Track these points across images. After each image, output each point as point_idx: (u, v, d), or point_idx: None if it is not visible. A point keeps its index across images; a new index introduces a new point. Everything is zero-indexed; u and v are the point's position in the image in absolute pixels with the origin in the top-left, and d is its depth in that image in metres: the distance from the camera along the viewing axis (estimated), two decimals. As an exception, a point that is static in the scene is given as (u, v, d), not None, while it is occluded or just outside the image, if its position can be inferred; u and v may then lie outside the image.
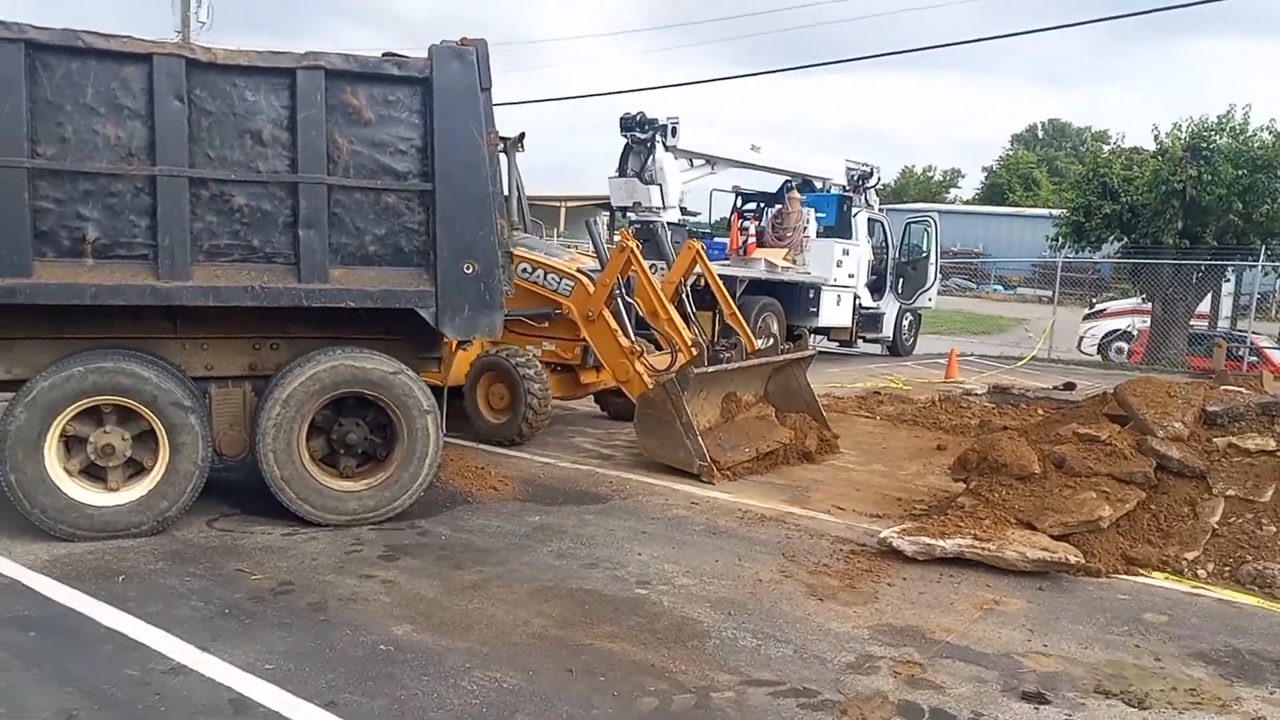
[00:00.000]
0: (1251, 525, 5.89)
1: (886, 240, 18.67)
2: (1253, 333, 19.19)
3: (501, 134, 9.21)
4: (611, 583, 5.28)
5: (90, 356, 5.61)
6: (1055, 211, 24.18)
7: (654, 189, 14.64)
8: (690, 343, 8.44)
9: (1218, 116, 18.40)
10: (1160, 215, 18.33)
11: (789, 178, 17.52)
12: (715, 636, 4.60)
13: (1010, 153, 64.14)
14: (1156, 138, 19.13)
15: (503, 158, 9.32)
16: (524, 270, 8.82)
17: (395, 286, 6.06)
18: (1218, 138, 18.13)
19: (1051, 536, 5.82)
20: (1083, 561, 5.65)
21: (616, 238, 9.34)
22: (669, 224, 14.63)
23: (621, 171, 15.03)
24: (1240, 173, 17.47)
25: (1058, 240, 20.69)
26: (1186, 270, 18.73)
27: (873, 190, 19.08)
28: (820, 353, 14.92)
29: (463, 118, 6.09)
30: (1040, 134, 67.88)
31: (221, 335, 6.09)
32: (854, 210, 17.46)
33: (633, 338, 8.44)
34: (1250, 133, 18.08)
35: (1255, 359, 17.50)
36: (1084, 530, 5.89)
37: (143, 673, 3.98)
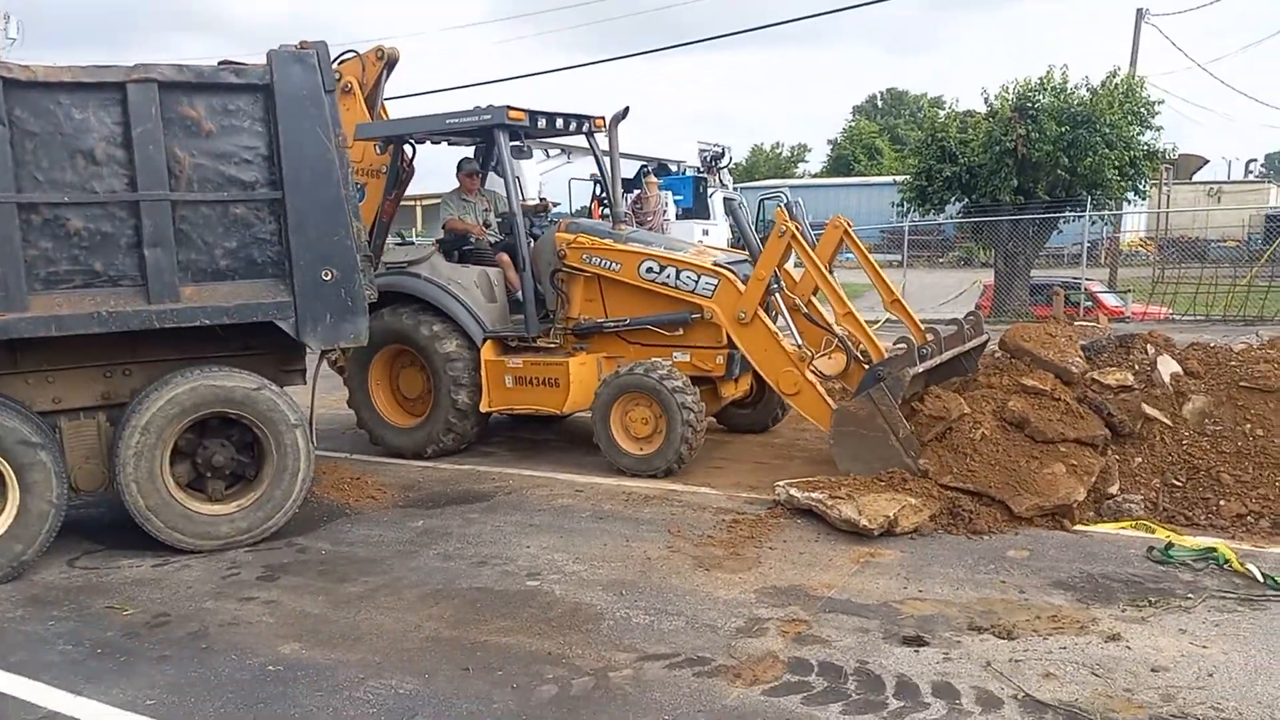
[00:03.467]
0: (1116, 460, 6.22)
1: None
2: (1085, 279, 20.47)
3: (597, 115, 8.53)
4: (502, 578, 5.29)
5: (-78, 400, 5.27)
6: (899, 178, 25.17)
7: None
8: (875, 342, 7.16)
9: (1039, 78, 19.48)
10: (996, 174, 19.29)
11: (645, 163, 17.71)
12: (609, 618, 4.67)
13: (852, 124, 66.29)
14: (986, 100, 20.10)
15: (602, 139, 8.62)
16: (648, 270, 7.62)
17: (251, 300, 5.90)
18: (1041, 97, 19.18)
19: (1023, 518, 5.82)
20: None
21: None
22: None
23: (476, 166, 14.88)
24: (1063, 129, 18.55)
25: (903, 205, 21.55)
26: (1024, 225, 19.81)
27: (726, 170, 19.48)
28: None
29: (308, 122, 5.96)
30: (879, 103, 70.36)
31: (69, 365, 5.79)
32: (709, 190, 17.79)
33: (799, 340, 7.30)
34: (1069, 90, 19.20)
35: (1090, 304, 18.67)
36: (1059, 513, 5.83)
37: (14, 726, 3.80)
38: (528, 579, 5.26)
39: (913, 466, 6.21)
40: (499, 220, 8.70)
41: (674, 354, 7.66)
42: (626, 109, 8.14)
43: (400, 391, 8.50)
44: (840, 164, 60.65)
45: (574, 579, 5.23)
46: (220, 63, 6.41)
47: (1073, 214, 20.08)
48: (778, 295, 7.28)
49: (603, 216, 16.23)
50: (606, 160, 8.67)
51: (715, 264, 7.56)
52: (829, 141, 67.41)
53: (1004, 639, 4.32)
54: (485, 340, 7.95)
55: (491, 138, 8.29)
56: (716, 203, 17.85)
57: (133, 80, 5.51)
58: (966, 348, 7.35)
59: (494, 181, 9.35)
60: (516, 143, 8.07)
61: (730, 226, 18.92)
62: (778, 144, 68.01)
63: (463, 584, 5.21)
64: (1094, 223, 21.19)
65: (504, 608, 4.85)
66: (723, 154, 19.22)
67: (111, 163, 5.53)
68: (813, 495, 6.06)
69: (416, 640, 4.49)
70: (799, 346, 7.11)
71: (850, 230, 8.01)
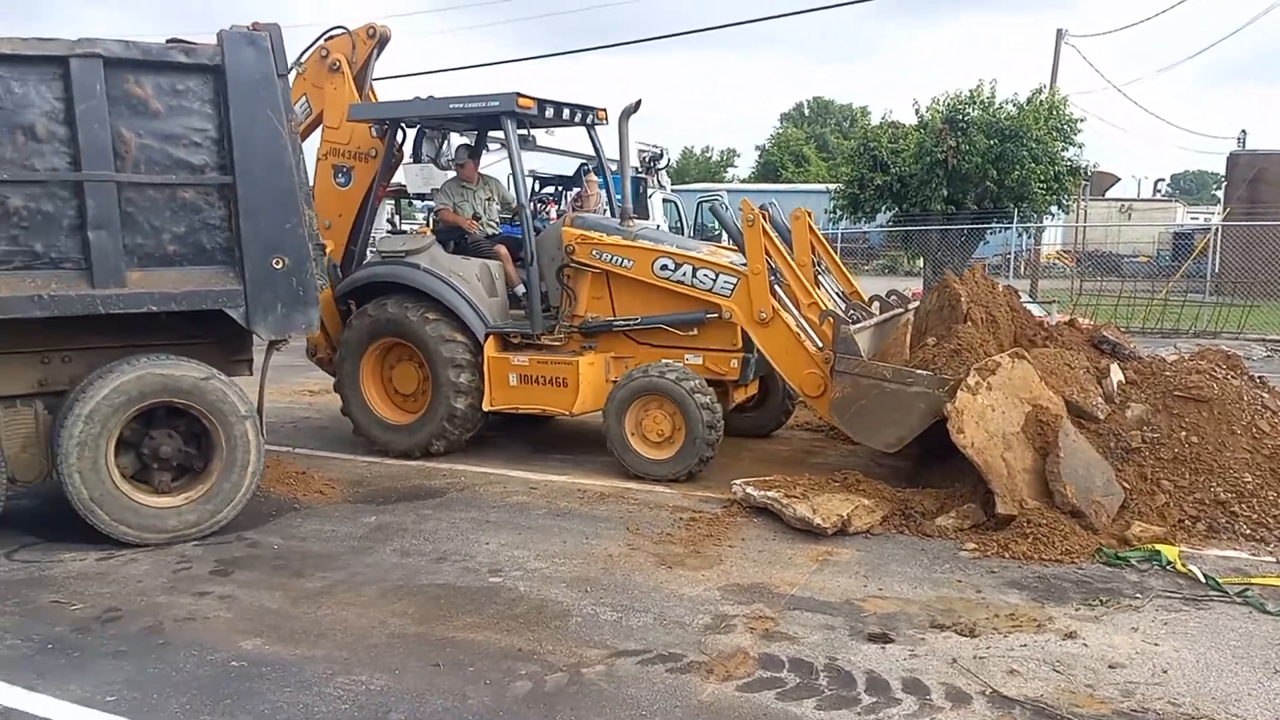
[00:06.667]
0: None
1: (681, 219, 19.18)
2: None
3: (599, 107, 8.44)
4: (463, 574, 5.21)
5: None
6: (831, 186, 25.58)
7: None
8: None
9: (969, 91, 19.99)
10: (926, 184, 19.76)
11: (585, 161, 17.63)
12: (576, 615, 4.65)
13: (780, 131, 67.06)
14: (917, 112, 20.57)
15: (603, 131, 8.45)
16: (663, 267, 7.36)
17: (200, 287, 5.73)
18: (971, 111, 19.70)
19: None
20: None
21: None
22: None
23: (416, 158, 14.65)
24: (992, 142, 19.08)
25: (835, 213, 21.90)
26: (952, 234, 20.32)
27: (664, 171, 19.51)
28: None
29: (260, 106, 5.82)
30: (806, 111, 71.32)
31: (4, 350, 5.53)
32: (649, 191, 17.80)
33: (818, 341, 6.86)
34: (998, 105, 19.76)
35: (1014, 313, 19.19)
36: None
37: (-39, 726, 3.61)
38: (490, 575, 5.19)
39: (931, 378, 6.07)
40: (502, 210, 8.53)
41: (686, 356, 7.41)
42: (639, 101, 7.75)
43: (393, 386, 8.10)
44: (768, 169, 61.28)
45: (537, 575, 5.18)
46: (168, 41, 6.19)
47: (1000, 225, 20.67)
48: (781, 292, 7.02)
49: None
50: (605, 154, 8.55)
51: (732, 263, 7.29)
52: (757, 147, 67.92)
53: (967, 636, 4.41)
54: (487, 336, 7.66)
55: (490, 125, 8.12)
56: (656, 203, 17.85)
57: (76, 55, 5.31)
58: (895, 313, 7.78)
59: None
60: (523, 131, 7.92)
61: (713, 226, 18.98)
62: (708, 148, 68.52)
63: (423, 580, 5.13)
64: (1019, 235, 21.86)
65: (468, 604, 4.78)
66: (661, 155, 19.21)
67: (54, 140, 5.33)
68: (769, 494, 6.11)
69: (382, 636, 4.40)
70: (819, 348, 6.78)
71: (811, 222, 7.99)
